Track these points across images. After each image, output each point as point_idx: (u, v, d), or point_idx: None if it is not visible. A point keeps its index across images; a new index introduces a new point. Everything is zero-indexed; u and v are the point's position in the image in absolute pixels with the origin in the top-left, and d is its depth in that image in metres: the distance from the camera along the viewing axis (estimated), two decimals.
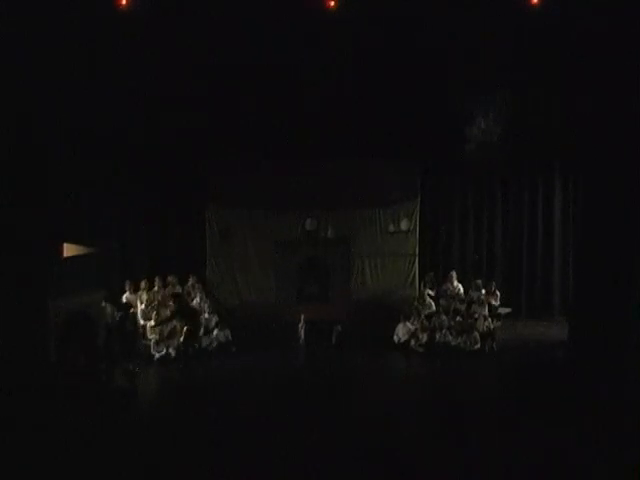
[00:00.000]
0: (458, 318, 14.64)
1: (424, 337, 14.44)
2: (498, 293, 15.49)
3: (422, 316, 14.70)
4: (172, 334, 14.18)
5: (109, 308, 13.93)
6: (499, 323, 15.21)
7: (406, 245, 15.83)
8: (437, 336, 14.42)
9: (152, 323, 14.32)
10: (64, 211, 13.72)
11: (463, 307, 14.94)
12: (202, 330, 14.37)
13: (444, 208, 16.53)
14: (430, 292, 15.37)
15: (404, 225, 15.80)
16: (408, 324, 14.59)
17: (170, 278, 15.10)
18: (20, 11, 11.44)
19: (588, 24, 12.31)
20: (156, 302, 14.69)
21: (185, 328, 13.92)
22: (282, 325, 14.73)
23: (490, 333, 14.48)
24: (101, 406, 10.80)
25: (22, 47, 11.61)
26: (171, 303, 14.77)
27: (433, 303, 15.08)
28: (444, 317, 14.66)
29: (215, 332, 14.49)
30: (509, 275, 16.76)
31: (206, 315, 14.70)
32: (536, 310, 16.72)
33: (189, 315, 14.02)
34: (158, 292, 14.95)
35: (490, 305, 15.11)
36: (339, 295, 15.70)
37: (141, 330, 14.39)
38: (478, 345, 14.26)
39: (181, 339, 14.03)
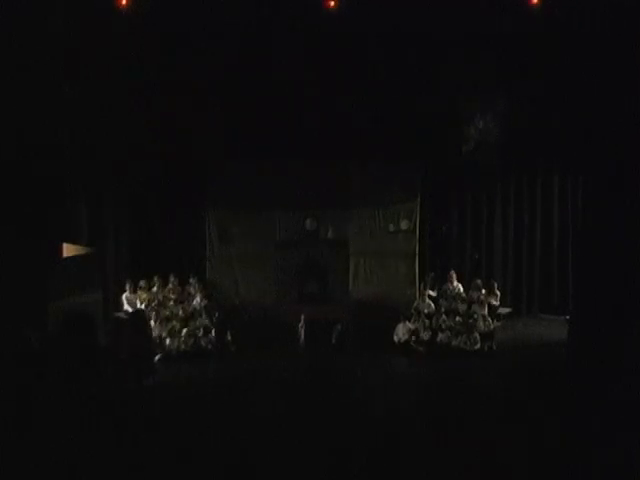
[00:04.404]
0: (458, 318, 14.64)
1: (424, 337, 14.44)
2: (498, 293, 15.50)
3: (422, 316, 14.70)
4: (172, 334, 14.19)
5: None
6: (499, 323, 15.21)
7: (406, 245, 15.83)
8: (437, 336, 14.43)
9: (152, 323, 14.32)
10: (64, 211, 13.73)
11: (463, 307, 14.95)
12: (202, 330, 14.38)
13: (444, 208, 16.53)
14: (430, 292, 15.39)
15: (404, 225, 15.80)
16: (408, 324, 14.59)
17: (170, 278, 15.15)
18: (19, 11, 11.47)
19: (588, 24, 12.31)
20: (156, 302, 14.71)
21: None
22: (282, 325, 14.73)
23: (490, 333, 14.48)
24: (101, 406, 10.80)
25: (22, 47, 11.64)
26: (171, 303, 14.81)
27: (432, 303, 15.08)
28: (444, 317, 14.67)
29: (214, 332, 14.49)
30: (509, 275, 16.76)
31: (205, 316, 14.71)
32: (536, 310, 16.74)
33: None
34: (158, 292, 14.98)
35: (490, 305, 15.12)
36: (339, 295, 15.69)
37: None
38: (478, 345, 14.26)
39: (181, 338, 14.07)
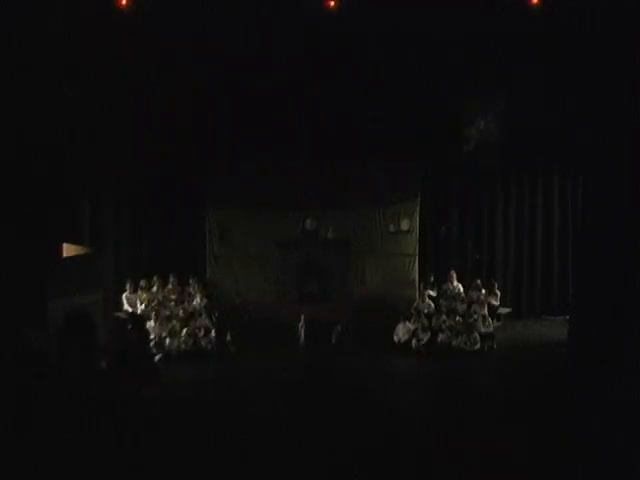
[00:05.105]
0: (458, 318, 14.64)
1: (424, 337, 14.44)
2: (498, 293, 15.51)
3: (422, 316, 14.70)
4: (172, 334, 14.20)
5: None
6: (499, 323, 15.22)
7: (406, 245, 15.82)
8: (437, 336, 14.43)
9: (152, 323, 14.33)
10: (64, 211, 13.73)
11: (463, 307, 14.95)
12: (202, 330, 14.38)
13: (444, 208, 16.53)
14: (430, 292, 15.39)
15: (404, 225, 15.80)
16: (408, 324, 14.59)
17: (170, 278, 15.15)
18: (19, 11, 11.47)
19: (588, 24, 12.31)
20: (156, 302, 14.71)
21: None
22: (282, 325, 14.72)
23: (490, 333, 14.48)
24: (101, 406, 10.79)
25: (22, 47, 11.64)
26: (171, 303, 14.80)
27: (432, 303, 15.08)
28: (444, 317, 14.66)
29: (214, 332, 14.50)
30: (509, 275, 16.76)
31: (205, 316, 14.71)
32: (536, 310, 16.74)
33: None
34: (158, 292, 14.98)
35: (490, 305, 15.12)
36: (339, 295, 15.68)
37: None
38: (478, 345, 14.26)
39: (181, 338, 14.08)
